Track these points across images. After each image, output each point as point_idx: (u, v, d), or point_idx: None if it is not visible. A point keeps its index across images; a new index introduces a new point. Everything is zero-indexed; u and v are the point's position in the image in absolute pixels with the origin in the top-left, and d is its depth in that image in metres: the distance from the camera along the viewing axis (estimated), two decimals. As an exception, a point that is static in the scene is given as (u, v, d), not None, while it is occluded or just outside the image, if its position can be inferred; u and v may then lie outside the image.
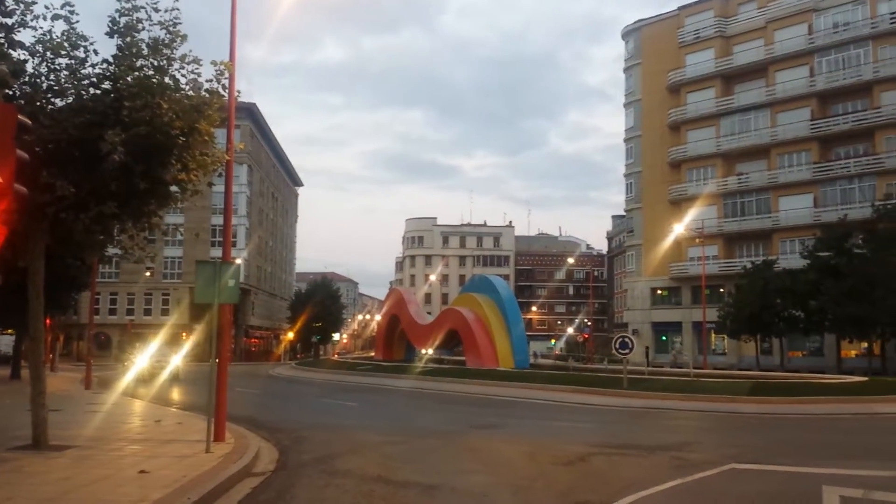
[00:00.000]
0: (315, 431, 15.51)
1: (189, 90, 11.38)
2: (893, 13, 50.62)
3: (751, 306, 46.70)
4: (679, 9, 62.11)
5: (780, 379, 31.32)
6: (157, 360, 35.35)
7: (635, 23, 65.49)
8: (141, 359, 35.07)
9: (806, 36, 54.26)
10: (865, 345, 46.63)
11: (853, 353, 49.35)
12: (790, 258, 50.44)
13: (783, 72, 55.28)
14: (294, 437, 14.40)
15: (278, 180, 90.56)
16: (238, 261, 15.92)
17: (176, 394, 26.94)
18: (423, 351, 49.88)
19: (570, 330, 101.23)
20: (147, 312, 69.65)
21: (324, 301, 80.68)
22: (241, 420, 15.78)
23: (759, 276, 47.85)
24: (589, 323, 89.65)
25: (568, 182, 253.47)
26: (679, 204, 59.29)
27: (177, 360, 36.23)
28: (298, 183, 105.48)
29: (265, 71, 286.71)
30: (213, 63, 11.62)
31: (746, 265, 50.84)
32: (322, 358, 75.72)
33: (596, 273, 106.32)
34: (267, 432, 14.77)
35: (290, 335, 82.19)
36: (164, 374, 33.11)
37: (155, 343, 37.73)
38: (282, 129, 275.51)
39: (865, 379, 30.51)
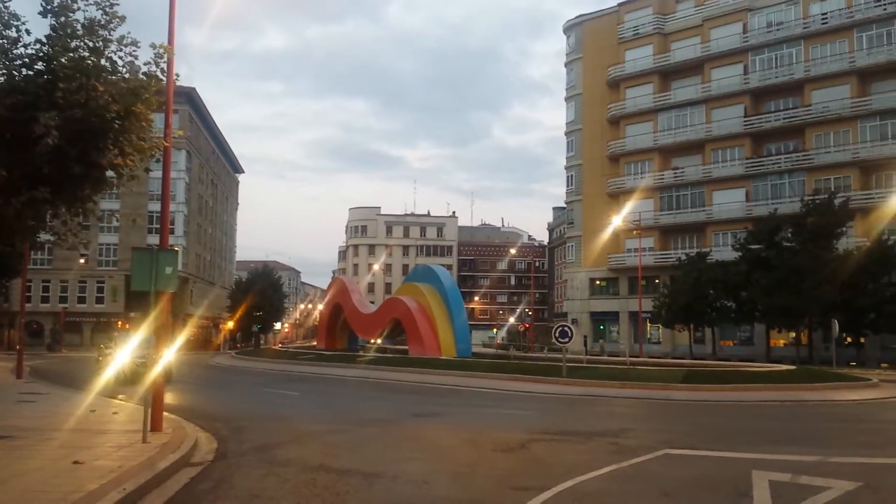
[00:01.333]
0: (255, 421, 15.38)
1: (126, 73, 11.11)
2: (825, 14, 52.30)
3: (685, 296, 48.24)
4: (619, 5, 63.09)
5: (713, 367, 32.42)
6: (141, 355, 25.72)
7: (576, 18, 66.27)
8: (122, 354, 27.37)
9: (741, 34, 55.74)
10: (793, 334, 48.31)
11: (781, 342, 51.16)
12: (723, 250, 52.02)
13: (718, 69, 56.72)
14: (234, 426, 14.25)
15: (218, 167, 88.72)
16: (176, 248, 15.61)
17: (169, 398, 19.08)
18: (372, 341, 49.64)
19: (512, 319, 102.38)
20: (81, 300, 67.64)
21: (265, 290, 79.44)
22: (178, 410, 15.56)
23: (693, 267, 49.36)
24: (530, 312, 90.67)
25: (511, 174, 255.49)
26: (617, 197, 60.44)
27: (169, 356, 27.18)
28: (239, 170, 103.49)
29: (206, 56, 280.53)
30: (152, 46, 11.37)
31: (681, 257, 52.45)
32: (263, 347, 74.64)
33: (537, 263, 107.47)
34: (205, 422, 14.56)
35: (230, 324, 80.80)
36: (153, 373, 25.52)
37: (139, 334, 30.47)
38: (222, 116, 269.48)
39: (793, 367, 31.71)
